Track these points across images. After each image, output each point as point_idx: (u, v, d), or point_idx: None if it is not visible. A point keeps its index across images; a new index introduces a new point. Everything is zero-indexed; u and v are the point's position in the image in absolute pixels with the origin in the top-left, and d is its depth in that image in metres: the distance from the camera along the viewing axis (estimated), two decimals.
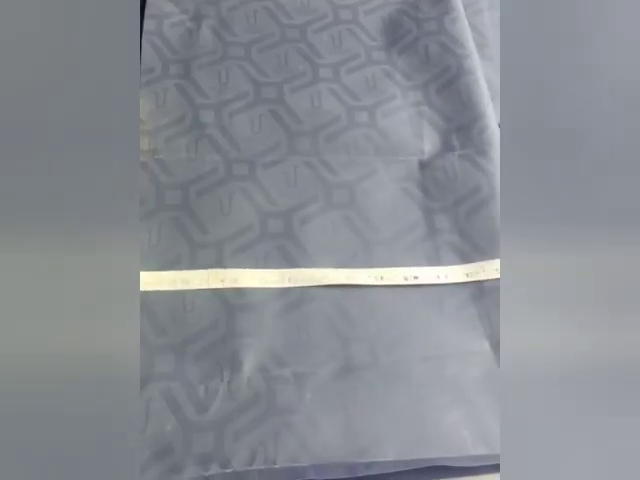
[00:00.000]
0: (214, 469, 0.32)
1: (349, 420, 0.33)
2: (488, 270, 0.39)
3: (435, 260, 0.40)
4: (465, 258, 0.40)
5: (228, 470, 0.32)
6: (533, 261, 0.22)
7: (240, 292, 0.37)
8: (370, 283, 0.39)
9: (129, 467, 0.20)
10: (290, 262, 0.39)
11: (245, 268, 0.38)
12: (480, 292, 0.39)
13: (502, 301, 0.23)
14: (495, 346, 0.37)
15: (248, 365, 0.35)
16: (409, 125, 0.45)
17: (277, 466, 0.32)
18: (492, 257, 0.39)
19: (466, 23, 0.50)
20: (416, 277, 0.39)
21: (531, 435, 0.20)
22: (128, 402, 0.21)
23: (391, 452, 0.32)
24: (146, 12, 0.48)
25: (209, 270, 0.38)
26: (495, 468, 0.33)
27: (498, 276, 0.39)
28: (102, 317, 0.21)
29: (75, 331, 0.20)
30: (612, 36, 0.24)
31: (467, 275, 0.39)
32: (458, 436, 0.33)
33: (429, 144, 0.45)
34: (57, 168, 0.21)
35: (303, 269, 0.38)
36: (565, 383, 0.21)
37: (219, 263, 0.38)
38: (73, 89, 0.22)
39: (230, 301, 0.37)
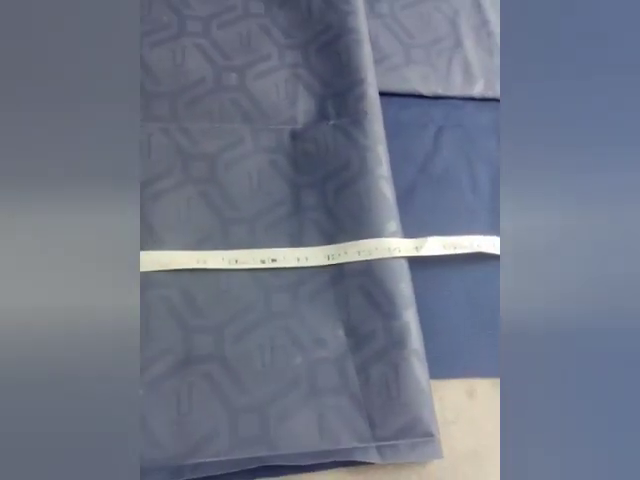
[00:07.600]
0: None
1: (181, 418, 0.31)
2: (350, 252, 0.37)
3: (297, 240, 0.37)
4: (328, 239, 0.38)
5: None
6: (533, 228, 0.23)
7: None
8: (223, 267, 0.36)
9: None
10: None
11: None
12: (340, 275, 0.37)
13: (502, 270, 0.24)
14: (350, 332, 0.35)
15: None
16: (284, 89, 0.42)
17: None
18: (355, 238, 0.37)
19: None
20: (274, 260, 0.37)
21: (532, 416, 0.21)
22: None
23: (222, 451, 0.31)
24: None
25: None
26: (335, 464, 0.32)
27: (360, 258, 0.37)
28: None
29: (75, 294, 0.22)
30: None
31: (328, 257, 0.37)
32: (303, 432, 0.32)
33: (303, 111, 0.41)
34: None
35: (149, 252, 0.35)
36: (567, 354, 0.21)
37: None
38: None
39: None
